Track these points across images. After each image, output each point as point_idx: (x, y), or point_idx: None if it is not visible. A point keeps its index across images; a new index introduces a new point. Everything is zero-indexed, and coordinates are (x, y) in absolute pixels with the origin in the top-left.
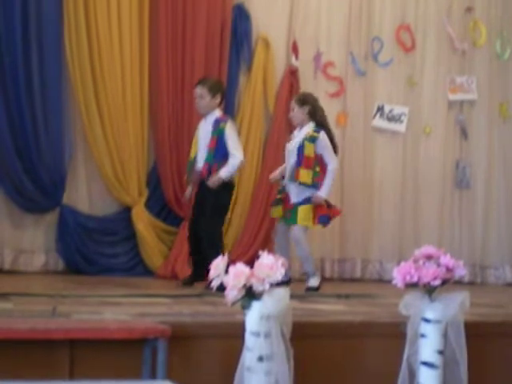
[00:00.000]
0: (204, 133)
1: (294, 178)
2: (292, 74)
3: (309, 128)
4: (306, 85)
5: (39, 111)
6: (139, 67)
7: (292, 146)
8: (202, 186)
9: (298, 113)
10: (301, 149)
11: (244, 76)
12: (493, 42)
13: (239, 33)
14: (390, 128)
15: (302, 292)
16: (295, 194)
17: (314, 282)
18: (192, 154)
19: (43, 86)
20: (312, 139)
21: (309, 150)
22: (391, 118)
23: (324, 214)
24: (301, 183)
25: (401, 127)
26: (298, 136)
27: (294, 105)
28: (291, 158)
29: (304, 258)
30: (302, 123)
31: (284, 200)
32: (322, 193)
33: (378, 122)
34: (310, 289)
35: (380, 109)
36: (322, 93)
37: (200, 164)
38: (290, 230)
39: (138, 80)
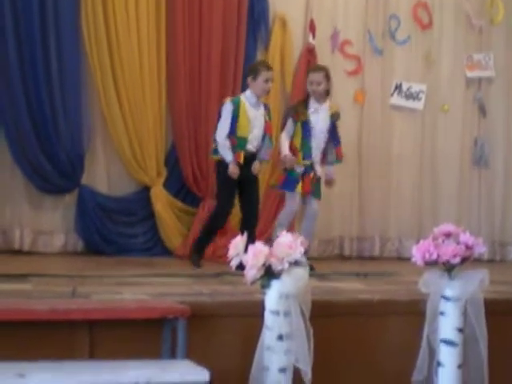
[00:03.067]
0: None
1: (338, 158)
2: (309, 52)
3: (329, 104)
4: (324, 63)
5: (57, 93)
6: (156, 47)
7: (321, 124)
8: None
9: (325, 87)
10: (334, 128)
11: (261, 55)
12: (510, 18)
13: (256, 12)
14: (408, 106)
15: (321, 271)
16: (319, 168)
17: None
18: None
19: (61, 69)
20: (339, 116)
21: (339, 128)
22: (409, 96)
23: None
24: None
25: (419, 105)
26: (322, 112)
27: (322, 79)
28: (321, 135)
29: (311, 234)
30: (323, 98)
31: (310, 175)
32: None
33: (396, 99)
34: None
35: (398, 87)
36: (340, 71)
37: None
38: (313, 203)
39: (156, 60)
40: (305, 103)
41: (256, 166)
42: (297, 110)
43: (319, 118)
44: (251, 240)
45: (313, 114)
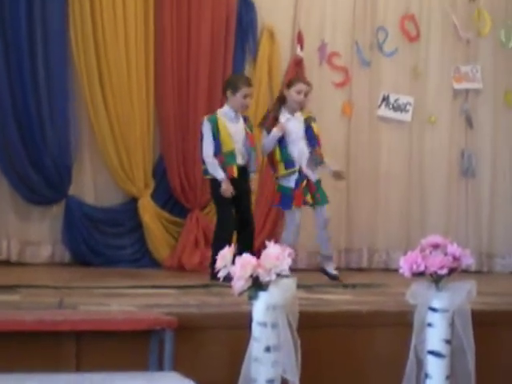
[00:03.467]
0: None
1: (321, 159)
2: (297, 64)
3: (299, 114)
4: (312, 75)
5: (45, 103)
6: (144, 57)
7: (297, 131)
8: None
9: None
10: (311, 131)
11: (249, 67)
12: (497, 30)
13: (244, 23)
14: (396, 117)
15: (308, 282)
16: (311, 174)
17: (333, 268)
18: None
19: (48, 78)
20: (313, 119)
21: (317, 130)
22: (396, 108)
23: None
24: (321, 162)
25: (406, 117)
26: (295, 119)
27: (308, 90)
28: (301, 141)
29: (330, 239)
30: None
31: (308, 184)
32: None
33: (384, 111)
34: (333, 277)
35: (385, 98)
36: (328, 83)
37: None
38: (321, 211)
39: (144, 70)
40: (276, 113)
41: (253, 181)
42: (271, 121)
43: (294, 125)
44: (251, 246)
45: (286, 123)
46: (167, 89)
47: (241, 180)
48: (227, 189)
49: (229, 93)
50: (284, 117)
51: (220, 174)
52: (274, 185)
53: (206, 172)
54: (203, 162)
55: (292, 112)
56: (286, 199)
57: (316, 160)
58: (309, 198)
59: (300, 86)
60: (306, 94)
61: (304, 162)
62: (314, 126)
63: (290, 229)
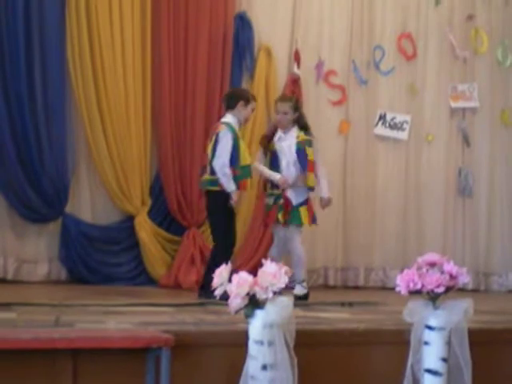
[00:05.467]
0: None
1: (305, 183)
2: (294, 82)
3: (296, 132)
4: (308, 93)
5: (42, 121)
6: (142, 77)
7: (286, 152)
8: None
9: (290, 117)
10: (302, 153)
11: (246, 84)
12: (494, 49)
13: (241, 42)
14: (393, 136)
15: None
16: (294, 197)
17: (300, 289)
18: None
19: (46, 97)
20: (309, 143)
21: (310, 155)
22: (393, 126)
23: (313, 213)
24: (309, 188)
25: (403, 135)
26: (287, 139)
27: (287, 109)
28: (289, 162)
29: (300, 262)
30: (288, 127)
31: (284, 204)
32: (328, 193)
33: (380, 129)
34: (296, 297)
35: (382, 117)
36: (325, 101)
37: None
38: (289, 232)
39: (141, 90)
40: (273, 133)
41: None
42: (265, 140)
43: (285, 145)
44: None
45: (278, 143)
46: (164, 107)
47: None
48: (237, 201)
49: (240, 104)
50: (277, 136)
51: (232, 186)
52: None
53: (212, 183)
54: (212, 172)
55: (284, 131)
56: (265, 216)
57: (300, 183)
58: (280, 216)
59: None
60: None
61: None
62: (309, 150)
63: (274, 243)
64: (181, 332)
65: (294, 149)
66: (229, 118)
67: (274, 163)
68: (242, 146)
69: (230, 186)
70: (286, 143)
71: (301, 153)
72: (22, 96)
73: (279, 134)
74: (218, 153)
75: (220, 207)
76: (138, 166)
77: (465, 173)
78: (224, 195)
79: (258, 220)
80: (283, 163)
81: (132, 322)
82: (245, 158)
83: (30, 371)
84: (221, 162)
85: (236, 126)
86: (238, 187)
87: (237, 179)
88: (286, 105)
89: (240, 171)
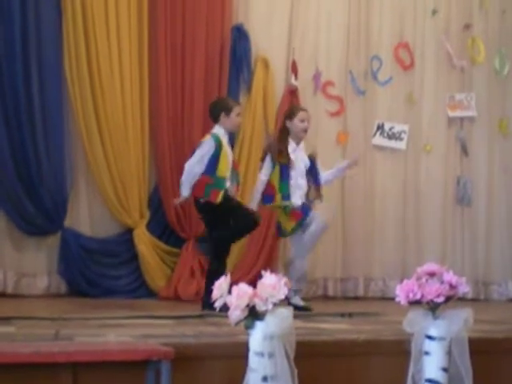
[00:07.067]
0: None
1: (321, 196)
2: (292, 93)
3: (303, 145)
4: (306, 104)
5: (40, 135)
6: (139, 89)
7: (300, 164)
8: None
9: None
10: (315, 168)
11: (244, 96)
12: (491, 58)
13: (238, 53)
14: (391, 146)
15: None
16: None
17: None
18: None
19: (44, 110)
20: (316, 155)
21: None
22: (391, 136)
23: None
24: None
25: (401, 145)
26: (299, 152)
27: (309, 116)
28: (302, 175)
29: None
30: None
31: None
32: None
33: (379, 140)
34: (298, 307)
35: (380, 127)
36: (323, 112)
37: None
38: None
39: (139, 102)
40: (285, 144)
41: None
42: (279, 151)
43: (298, 157)
44: None
45: (291, 154)
46: (162, 119)
47: (224, 205)
48: (178, 204)
49: (222, 116)
50: (290, 147)
51: (186, 192)
52: (273, 216)
53: (202, 194)
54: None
55: (298, 142)
56: (279, 230)
57: (312, 197)
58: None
59: (302, 115)
60: (308, 121)
61: (299, 194)
62: (319, 163)
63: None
64: (181, 344)
65: (307, 161)
66: (216, 129)
67: (284, 175)
68: (225, 158)
69: (184, 189)
70: (300, 155)
71: (314, 167)
72: (20, 109)
73: (292, 145)
74: (193, 155)
75: (211, 217)
76: (137, 179)
77: (463, 182)
78: (212, 205)
79: (257, 232)
80: (295, 175)
81: (132, 334)
82: (223, 171)
83: None
84: (192, 162)
85: (224, 137)
86: (209, 196)
87: (208, 187)
88: (308, 113)
89: (213, 180)
